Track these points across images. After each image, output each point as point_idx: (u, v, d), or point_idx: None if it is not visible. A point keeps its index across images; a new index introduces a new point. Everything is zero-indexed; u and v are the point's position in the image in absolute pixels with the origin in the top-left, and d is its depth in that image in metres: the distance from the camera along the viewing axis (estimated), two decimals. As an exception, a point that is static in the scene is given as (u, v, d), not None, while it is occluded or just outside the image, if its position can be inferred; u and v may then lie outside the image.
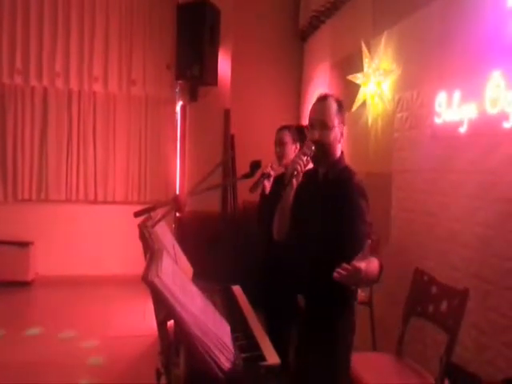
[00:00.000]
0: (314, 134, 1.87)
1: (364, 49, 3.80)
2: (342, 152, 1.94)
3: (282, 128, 2.95)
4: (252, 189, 2.06)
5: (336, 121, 1.86)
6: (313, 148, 1.85)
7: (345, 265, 1.46)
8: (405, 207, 3.23)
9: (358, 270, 1.47)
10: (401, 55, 3.40)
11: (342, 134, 1.90)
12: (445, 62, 2.82)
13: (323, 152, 1.87)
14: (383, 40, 3.61)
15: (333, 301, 1.84)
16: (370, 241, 1.61)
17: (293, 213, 1.95)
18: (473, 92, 2.51)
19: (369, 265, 1.56)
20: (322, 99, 1.90)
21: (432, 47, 2.97)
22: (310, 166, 1.96)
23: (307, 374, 1.86)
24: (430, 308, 2.34)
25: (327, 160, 1.90)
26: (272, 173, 2.67)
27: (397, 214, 3.32)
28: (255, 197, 2.99)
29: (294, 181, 1.87)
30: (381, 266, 1.68)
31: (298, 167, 1.83)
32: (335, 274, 1.47)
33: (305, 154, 1.86)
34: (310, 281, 1.87)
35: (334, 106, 1.87)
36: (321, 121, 1.86)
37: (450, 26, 2.78)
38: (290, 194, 1.92)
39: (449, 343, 2.10)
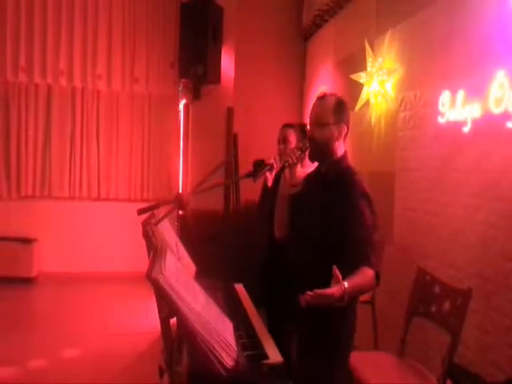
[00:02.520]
0: (308, 131, 1.93)
1: (367, 48, 3.79)
2: (345, 152, 1.91)
3: (287, 125, 2.91)
4: (254, 177, 2.09)
5: (331, 119, 1.84)
6: (307, 145, 1.89)
7: (308, 292, 1.45)
8: (408, 206, 3.22)
9: (325, 297, 1.45)
10: (404, 54, 3.39)
11: (340, 133, 1.86)
12: (448, 61, 2.82)
13: (317, 149, 1.88)
14: (387, 39, 3.60)
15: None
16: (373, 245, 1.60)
17: (292, 214, 1.97)
18: (476, 91, 2.50)
19: (357, 281, 1.54)
20: (320, 98, 1.91)
21: (436, 46, 2.96)
22: (308, 165, 1.99)
23: (307, 375, 1.84)
24: (433, 308, 2.34)
25: (325, 159, 1.90)
26: (275, 165, 2.66)
27: (400, 213, 3.32)
28: (257, 195, 2.99)
29: (287, 171, 1.95)
30: (377, 275, 1.66)
31: (289, 159, 1.90)
32: (301, 302, 1.46)
33: (299, 149, 1.92)
34: (308, 285, 1.86)
35: (330, 105, 1.86)
36: (315, 118, 1.88)
37: (454, 25, 2.77)
38: (284, 185, 1.99)
39: (451, 343, 2.10)
